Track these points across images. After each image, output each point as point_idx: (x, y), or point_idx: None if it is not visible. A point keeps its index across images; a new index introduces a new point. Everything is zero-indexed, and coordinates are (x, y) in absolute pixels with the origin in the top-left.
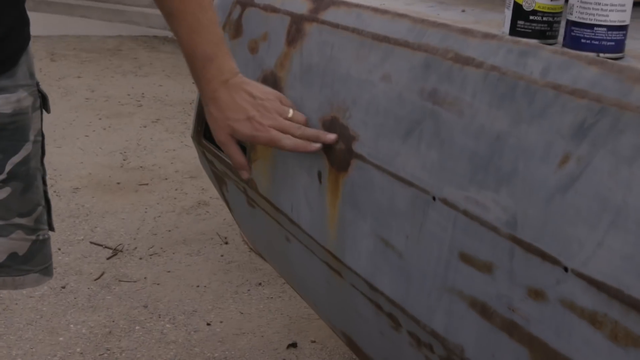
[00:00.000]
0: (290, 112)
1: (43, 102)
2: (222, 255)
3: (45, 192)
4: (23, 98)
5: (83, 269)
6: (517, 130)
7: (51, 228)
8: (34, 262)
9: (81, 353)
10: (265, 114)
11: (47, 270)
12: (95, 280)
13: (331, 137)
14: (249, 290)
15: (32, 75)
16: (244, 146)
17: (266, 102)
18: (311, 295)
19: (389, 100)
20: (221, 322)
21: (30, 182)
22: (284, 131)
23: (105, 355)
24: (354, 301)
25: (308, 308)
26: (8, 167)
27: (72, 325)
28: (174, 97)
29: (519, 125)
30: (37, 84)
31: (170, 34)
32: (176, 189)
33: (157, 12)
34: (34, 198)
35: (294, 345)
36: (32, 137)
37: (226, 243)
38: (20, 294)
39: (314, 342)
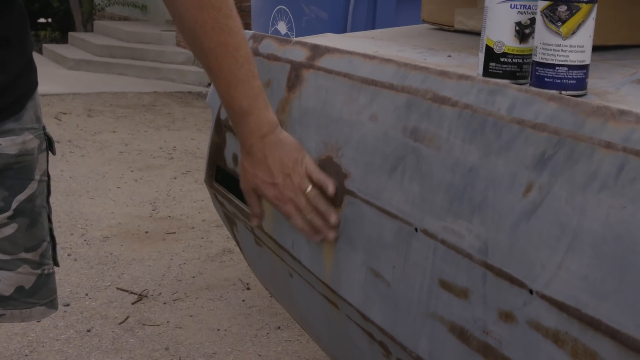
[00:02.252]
0: (309, 188)
1: (49, 145)
2: (243, 300)
3: (51, 229)
4: (29, 140)
5: (109, 313)
6: (486, 162)
7: (56, 263)
8: (39, 295)
9: None
10: (289, 185)
11: (52, 303)
12: (119, 324)
13: (332, 234)
14: (267, 333)
15: (38, 119)
16: None
17: (293, 174)
18: (314, 330)
19: (376, 138)
20: None
21: (35, 219)
22: (298, 209)
23: None
24: (350, 332)
25: None
26: (14, 204)
27: None
28: (205, 150)
29: (488, 158)
30: (44, 128)
31: (204, 89)
32: (202, 237)
33: (193, 68)
34: (39, 234)
35: None
36: (37, 177)
37: (248, 289)
38: (47, 337)
39: None
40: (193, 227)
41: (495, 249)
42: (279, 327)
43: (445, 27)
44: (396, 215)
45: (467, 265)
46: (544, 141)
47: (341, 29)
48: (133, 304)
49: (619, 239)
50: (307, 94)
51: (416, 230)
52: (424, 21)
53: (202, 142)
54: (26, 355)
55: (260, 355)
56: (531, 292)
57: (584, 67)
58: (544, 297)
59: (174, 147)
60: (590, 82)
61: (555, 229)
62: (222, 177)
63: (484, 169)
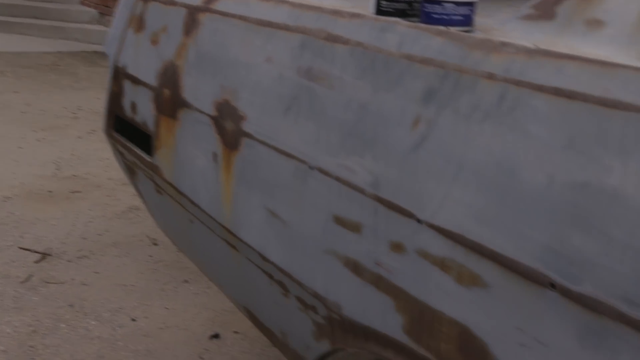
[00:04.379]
0: None
1: None
2: (150, 256)
3: None
4: None
5: (10, 272)
6: (377, 98)
7: None
8: None
9: (4, 351)
10: None
11: None
12: (21, 282)
13: None
14: (175, 287)
15: None
16: (149, 135)
17: None
18: (215, 274)
19: (271, 80)
20: (146, 317)
21: None
22: None
23: (29, 352)
24: (250, 274)
25: None
26: None
27: None
28: None
29: (378, 94)
30: None
31: None
32: (108, 196)
33: (98, 27)
34: None
35: (216, 336)
36: None
37: (155, 244)
38: None
39: (236, 332)
40: (99, 186)
41: (386, 182)
42: (186, 281)
43: None
44: (292, 155)
45: (360, 200)
46: (431, 75)
47: None
48: (36, 262)
49: (499, 167)
50: (204, 38)
51: (311, 168)
52: None
53: None
54: None
55: (167, 309)
56: (419, 221)
57: (470, 4)
58: (431, 226)
59: (79, 106)
60: (478, 20)
61: (442, 160)
62: (121, 127)
63: (375, 105)
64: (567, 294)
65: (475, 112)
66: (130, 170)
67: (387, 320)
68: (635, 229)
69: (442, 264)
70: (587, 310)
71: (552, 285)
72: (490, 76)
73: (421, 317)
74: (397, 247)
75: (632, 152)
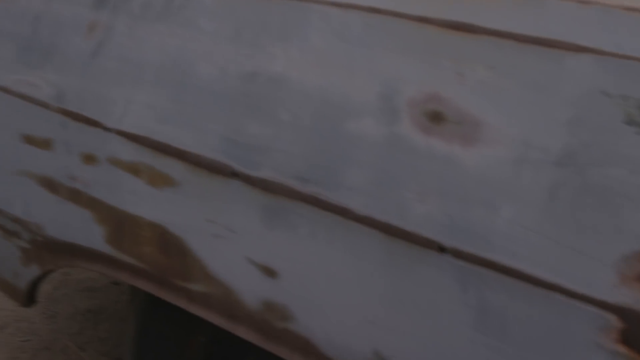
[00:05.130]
0: None
1: None
2: None
3: None
4: None
5: None
6: (50, 7)
7: None
8: None
9: None
10: None
11: None
12: None
13: None
14: None
15: None
16: None
17: None
18: None
19: None
20: None
21: None
22: None
23: None
24: None
25: None
26: None
27: None
28: None
29: (51, 3)
30: None
31: None
32: None
33: None
34: None
35: None
36: None
37: None
38: None
39: None
40: None
41: (70, 93)
42: None
43: None
44: None
45: (47, 115)
46: None
47: None
48: None
49: (175, 65)
50: None
51: None
52: None
53: None
54: None
55: None
56: (107, 129)
57: None
58: (118, 132)
59: None
60: None
61: (120, 65)
62: None
63: (50, 14)
64: (248, 180)
65: (148, 12)
66: None
67: (90, 234)
68: (300, 111)
69: (134, 169)
70: (267, 193)
71: (234, 174)
72: None
73: (121, 225)
74: (90, 159)
75: (291, 39)
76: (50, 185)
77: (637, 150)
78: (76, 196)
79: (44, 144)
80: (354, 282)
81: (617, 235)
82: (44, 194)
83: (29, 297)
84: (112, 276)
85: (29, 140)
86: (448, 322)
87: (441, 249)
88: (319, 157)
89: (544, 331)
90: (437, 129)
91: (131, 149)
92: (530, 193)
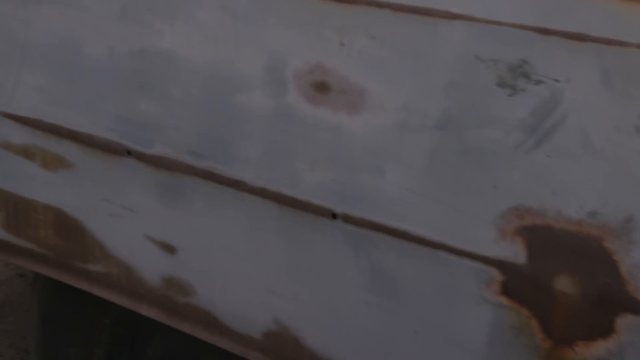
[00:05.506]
0: None
1: None
2: None
3: None
4: None
5: None
6: None
7: None
8: None
9: None
10: None
11: None
12: None
13: None
14: None
15: None
16: None
17: None
18: None
19: None
20: None
21: None
22: None
23: None
24: None
25: None
26: None
27: None
28: None
29: None
30: None
31: None
32: None
33: None
34: None
35: None
36: None
37: None
38: None
39: None
40: None
41: None
42: None
43: None
44: None
45: None
46: None
47: None
48: None
49: (64, 45)
50: None
51: None
52: None
53: None
54: None
55: None
56: None
57: None
58: (7, 115)
59: None
60: None
61: (7, 48)
62: None
63: None
64: (142, 158)
65: None
66: None
67: None
68: (190, 86)
69: (26, 152)
70: (162, 170)
71: (129, 153)
72: None
73: (16, 209)
74: None
75: (177, 15)
76: None
77: (509, 111)
78: None
79: None
80: (251, 253)
81: (495, 193)
82: None
83: None
84: (10, 262)
85: None
86: (343, 286)
87: (333, 215)
88: (211, 132)
89: (433, 288)
90: (324, 98)
91: (22, 132)
92: (413, 157)
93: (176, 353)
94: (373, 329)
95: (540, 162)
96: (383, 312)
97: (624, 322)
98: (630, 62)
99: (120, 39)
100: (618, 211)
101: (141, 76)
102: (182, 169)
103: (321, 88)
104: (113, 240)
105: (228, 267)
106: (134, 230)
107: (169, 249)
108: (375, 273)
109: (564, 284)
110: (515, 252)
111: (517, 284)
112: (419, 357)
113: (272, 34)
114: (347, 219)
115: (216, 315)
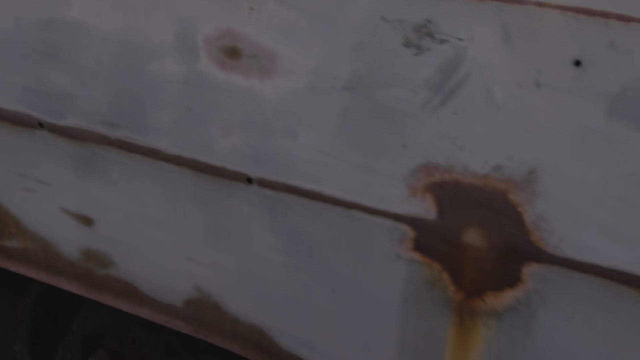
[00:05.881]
0: None
1: None
2: None
3: None
4: None
5: None
6: None
7: None
8: None
9: None
10: None
11: None
12: None
13: None
14: None
15: None
16: None
17: None
18: None
19: None
20: None
21: None
22: None
23: None
24: None
25: None
26: None
27: None
28: None
29: None
30: None
31: None
32: None
33: None
34: None
35: None
36: None
37: None
38: None
39: None
40: None
41: None
42: None
43: None
44: None
45: None
46: None
47: None
48: None
49: None
50: None
51: None
52: None
53: None
54: None
55: None
56: None
57: None
58: None
59: None
60: None
61: None
62: None
63: None
64: (54, 130)
65: None
66: None
67: None
68: (101, 55)
69: None
70: (75, 142)
71: (40, 125)
72: None
73: None
74: None
75: None
76: None
77: (416, 71)
78: None
79: None
80: (169, 222)
81: (404, 151)
82: None
83: None
84: None
85: None
86: (261, 250)
87: (248, 180)
88: (124, 101)
89: (348, 248)
90: (235, 64)
91: None
92: (324, 119)
93: (101, 328)
94: (292, 290)
95: (446, 119)
96: (301, 274)
97: (530, 271)
98: (529, 19)
99: (26, 9)
100: (521, 164)
101: (50, 46)
102: (96, 140)
103: (232, 53)
104: (28, 215)
105: (146, 237)
106: (50, 203)
107: (86, 221)
108: (292, 235)
109: (472, 237)
110: (425, 209)
111: (428, 240)
112: (338, 315)
113: (182, 1)
114: (263, 183)
115: (137, 285)
